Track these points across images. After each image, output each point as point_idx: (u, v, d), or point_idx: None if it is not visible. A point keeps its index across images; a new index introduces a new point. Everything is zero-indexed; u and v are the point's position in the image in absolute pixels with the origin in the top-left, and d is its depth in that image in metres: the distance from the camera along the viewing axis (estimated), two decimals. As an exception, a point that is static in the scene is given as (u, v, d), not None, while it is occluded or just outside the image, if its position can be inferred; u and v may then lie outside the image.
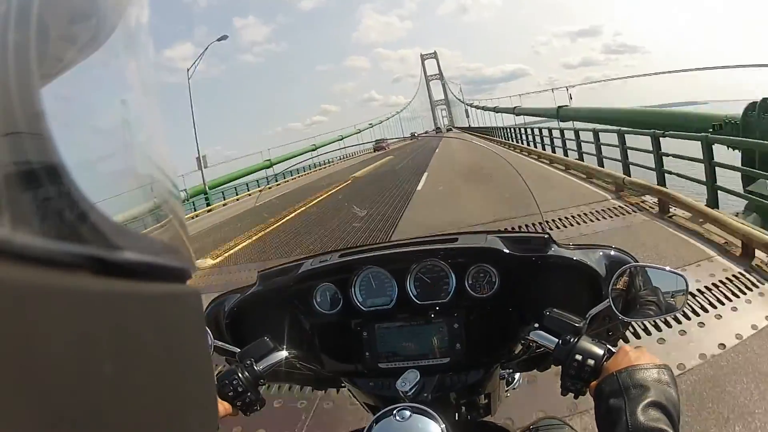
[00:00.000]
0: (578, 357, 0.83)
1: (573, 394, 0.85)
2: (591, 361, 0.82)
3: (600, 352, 0.84)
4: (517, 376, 1.36)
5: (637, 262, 1.02)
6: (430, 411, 0.80)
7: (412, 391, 0.93)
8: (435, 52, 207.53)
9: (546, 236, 1.09)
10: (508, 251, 1.08)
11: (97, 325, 0.21)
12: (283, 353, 1.06)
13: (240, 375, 0.97)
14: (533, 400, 2.51)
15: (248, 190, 26.68)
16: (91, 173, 0.24)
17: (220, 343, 1.09)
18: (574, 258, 1.05)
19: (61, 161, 0.20)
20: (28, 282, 0.18)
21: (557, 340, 0.88)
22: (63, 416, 0.18)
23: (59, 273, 0.19)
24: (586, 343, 0.85)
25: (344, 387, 1.17)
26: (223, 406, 0.94)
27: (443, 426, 0.77)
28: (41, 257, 0.19)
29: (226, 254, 8.49)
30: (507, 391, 1.35)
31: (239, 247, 8.95)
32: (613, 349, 0.84)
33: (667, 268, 0.94)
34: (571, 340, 0.86)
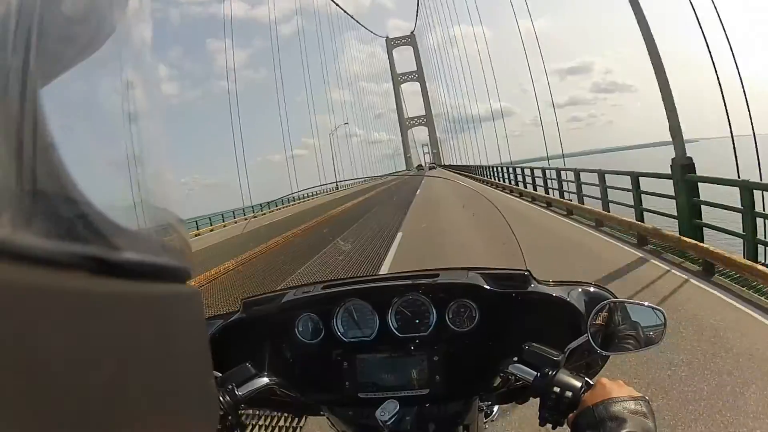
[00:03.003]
0: (556, 389, 0.85)
1: (551, 426, 0.87)
2: (569, 394, 0.84)
3: (578, 384, 0.85)
4: (495, 408, 1.40)
5: (616, 298, 1.05)
6: None
7: (392, 420, 0.95)
8: (413, 36, 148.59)
9: (526, 273, 1.11)
10: (488, 287, 1.11)
11: (97, 325, 0.21)
12: (265, 380, 1.07)
13: (221, 399, 0.97)
14: (511, 431, 2.56)
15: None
16: (91, 173, 0.24)
17: None
18: (554, 294, 1.08)
19: (61, 161, 0.21)
20: (28, 282, 0.18)
21: (536, 373, 0.91)
22: (63, 416, 0.18)
23: (59, 273, 0.19)
24: (564, 376, 0.87)
25: (323, 415, 1.18)
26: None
27: None
28: (41, 257, 0.19)
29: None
30: (485, 422, 1.38)
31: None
32: (591, 382, 0.86)
33: (646, 303, 0.97)
34: (550, 373, 0.88)
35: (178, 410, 0.28)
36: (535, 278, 1.11)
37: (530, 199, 13.78)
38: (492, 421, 1.42)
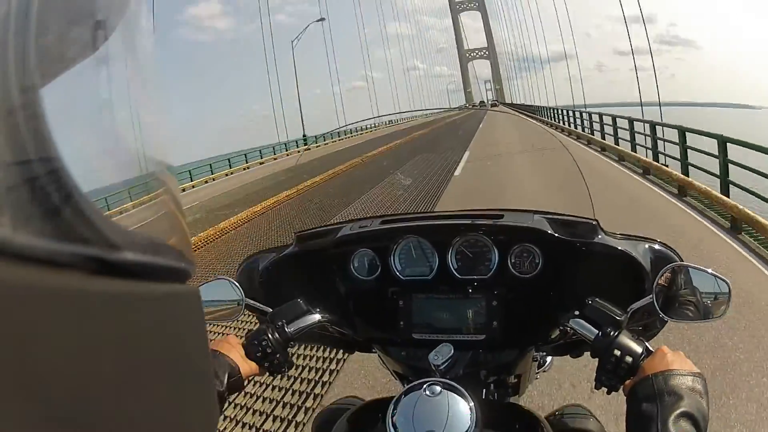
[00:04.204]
0: (617, 352, 0.83)
1: (606, 390, 0.85)
2: (629, 359, 0.82)
3: (639, 350, 0.83)
4: (549, 358, 1.36)
5: (682, 260, 0.99)
6: (461, 388, 0.78)
7: (444, 365, 0.91)
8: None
9: (594, 222, 1.05)
10: (554, 234, 1.04)
11: (97, 325, 0.21)
12: (316, 316, 1.05)
13: (270, 336, 0.96)
14: (559, 383, 2.50)
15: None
16: (92, 173, 0.24)
17: (252, 301, 1.07)
18: (621, 248, 1.01)
19: (61, 161, 0.20)
20: (28, 282, 0.18)
21: (597, 331, 0.87)
22: (63, 416, 0.18)
23: (59, 273, 0.20)
24: (626, 339, 0.84)
25: (375, 353, 1.17)
26: (250, 366, 0.93)
27: (472, 405, 0.76)
28: (41, 257, 0.19)
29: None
30: (538, 373, 1.34)
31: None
32: (651, 349, 0.83)
33: (710, 270, 0.90)
34: (611, 333, 0.85)
35: (178, 410, 0.28)
36: (602, 229, 1.05)
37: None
38: (544, 371, 1.39)
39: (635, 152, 10.04)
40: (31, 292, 0.18)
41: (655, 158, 8.83)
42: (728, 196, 5.79)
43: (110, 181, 0.25)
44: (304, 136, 30.29)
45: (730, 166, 5.99)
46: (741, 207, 5.13)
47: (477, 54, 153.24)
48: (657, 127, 9.11)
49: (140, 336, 0.24)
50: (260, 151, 26.55)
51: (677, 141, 7.68)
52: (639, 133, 10.21)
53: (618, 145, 11.52)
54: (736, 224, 5.14)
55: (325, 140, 28.22)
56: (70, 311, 0.19)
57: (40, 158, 0.20)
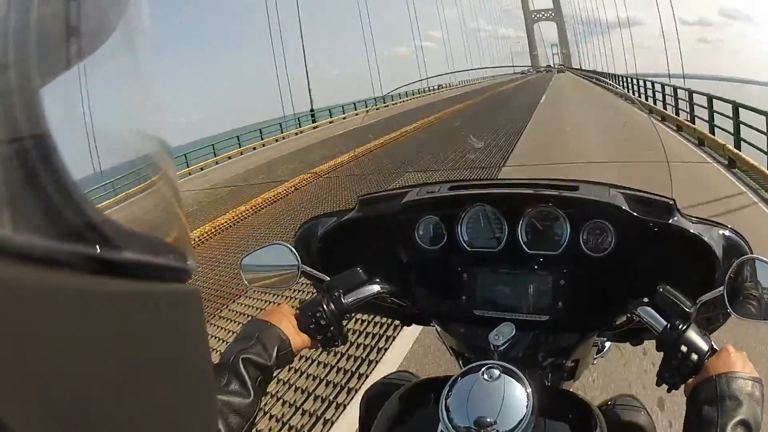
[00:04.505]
0: (683, 348, 0.79)
1: (666, 386, 0.81)
2: (694, 356, 0.78)
3: (705, 348, 0.79)
4: (608, 344, 1.31)
5: (752, 250, 0.96)
6: (519, 374, 0.76)
7: (504, 346, 0.88)
8: None
9: (671, 202, 0.98)
10: (631, 211, 0.98)
11: (97, 324, 0.21)
12: (375, 287, 1.01)
13: (325, 307, 0.92)
14: (613, 371, 2.44)
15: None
16: (91, 173, 0.24)
17: (309, 268, 1.04)
18: (697, 233, 0.95)
19: (61, 161, 0.21)
20: (28, 282, 0.18)
21: (665, 323, 0.83)
22: (63, 416, 0.19)
23: (59, 273, 0.20)
24: (694, 334, 0.80)
25: (432, 326, 1.12)
26: (302, 339, 0.89)
27: (529, 391, 0.73)
28: (41, 257, 0.19)
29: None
30: (596, 359, 1.29)
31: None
32: (716, 347, 0.79)
33: None
34: (680, 326, 0.81)
35: (178, 411, 0.28)
36: (679, 210, 0.98)
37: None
38: (602, 357, 1.35)
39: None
40: (31, 292, 0.18)
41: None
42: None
43: (111, 180, 0.26)
44: (312, 111, 26.41)
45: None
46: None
47: (543, 16, 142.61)
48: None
49: (140, 336, 0.24)
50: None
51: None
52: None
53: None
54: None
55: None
56: (70, 311, 0.20)
57: (40, 158, 0.20)
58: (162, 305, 0.27)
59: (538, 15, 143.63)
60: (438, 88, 36.23)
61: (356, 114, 25.54)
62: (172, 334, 0.28)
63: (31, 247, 0.19)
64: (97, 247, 0.22)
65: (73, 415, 0.19)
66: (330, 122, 24.35)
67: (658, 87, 14.86)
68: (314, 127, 22.86)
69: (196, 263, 0.32)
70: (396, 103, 26.70)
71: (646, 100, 15.42)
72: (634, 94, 18.25)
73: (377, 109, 22.76)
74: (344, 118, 24.98)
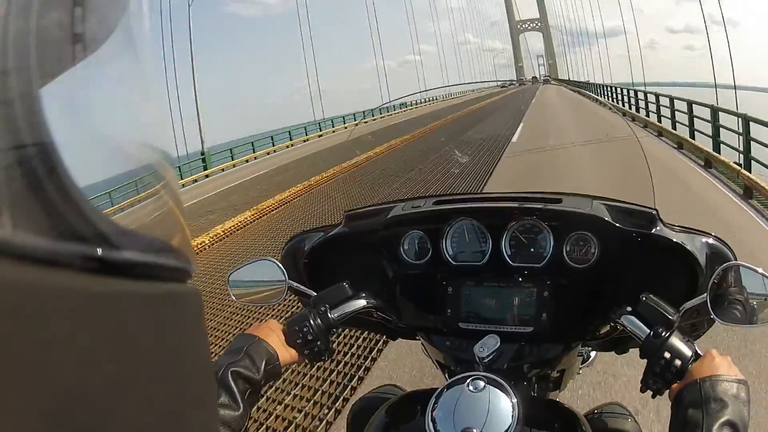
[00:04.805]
0: (666, 355, 0.80)
1: (651, 393, 0.83)
2: (678, 362, 0.79)
3: (689, 353, 0.80)
4: (593, 353, 1.33)
5: (736, 257, 0.97)
6: (505, 384, 0.77)
7: (489, 358, 0.89)
8: None
9: (654, 211, 1.00)
10: (614, 222, 1.00)
11: (97, 325, 0.21)
12: (361, 302, 1.01)
13: (312, 322, 0.93)
14: (600, 380, 2.51)
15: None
16: (91, 173, 0.24)
17: (296, 284, 1.04)
18: (680, 242, 0.97)
19: (60, 161, 0.21)
20: (28, 282, 0.18)
21: (648, 331, 0.84)
22: (63, 416, 0.19)
23: (59, 273, 0.20)
24: (677, 341, 0.81)
25: (418, 340, 1.14)
26: (290, 354, 0.90)
27: (514, 401, 0.75)
28: (41, 257, 0.19)
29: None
30: (581, 368, 1.31)
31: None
32: (700, 352, 0.81)
33: (759, 270, 0.86)
34: (663, 334, 0.82)
35: (178, 411, 0.28)
36: (661, 219, 1.00)
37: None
38: (587, 367, 1.37)
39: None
40: (31, 292, 0.18)
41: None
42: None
43: (110, 180, 0.26)
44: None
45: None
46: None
47: (528, 26, 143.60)
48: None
49: (140, 336, 0.24)
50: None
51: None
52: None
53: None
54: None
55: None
56: (70, 311, 0.20)
57: (40, 158, 0.20)
58: (162, 305, 0.27)
59: (523, 25, 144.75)
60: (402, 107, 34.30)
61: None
62: (172, 334, 0.28)
63: (31, 247, 0.19)
64: (97, 246, 0.22)
65: (73, 415, 0.19)
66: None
67: (641, 95, 15.06)
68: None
69: (196, 264, 0.32)
70: (376, 119, 25.22)
71: (637, 110, 15.31)
72: (615, 101, 18.54)
73: (356, 125, 21.91)
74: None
